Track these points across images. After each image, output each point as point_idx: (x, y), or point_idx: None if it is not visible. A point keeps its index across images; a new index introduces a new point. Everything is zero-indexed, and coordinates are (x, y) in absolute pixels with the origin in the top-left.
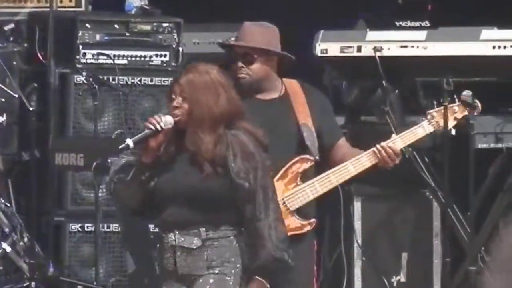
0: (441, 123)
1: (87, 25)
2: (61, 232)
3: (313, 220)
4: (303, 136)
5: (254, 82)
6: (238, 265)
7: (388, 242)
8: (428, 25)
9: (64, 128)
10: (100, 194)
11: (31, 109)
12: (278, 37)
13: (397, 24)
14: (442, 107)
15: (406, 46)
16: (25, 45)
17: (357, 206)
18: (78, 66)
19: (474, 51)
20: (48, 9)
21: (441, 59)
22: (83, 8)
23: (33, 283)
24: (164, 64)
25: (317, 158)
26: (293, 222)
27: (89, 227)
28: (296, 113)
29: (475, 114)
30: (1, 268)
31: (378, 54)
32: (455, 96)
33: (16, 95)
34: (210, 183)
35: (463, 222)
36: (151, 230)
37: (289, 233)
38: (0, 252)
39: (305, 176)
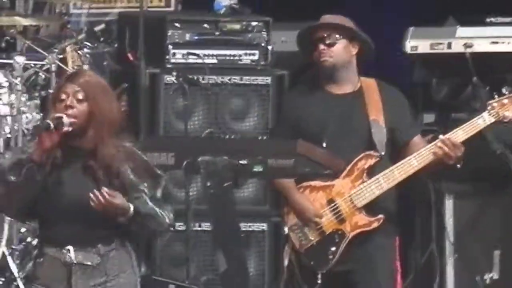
0: (501, 113)
1: (177, 24)
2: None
3: (380, 216)
4: (371, 132)
5: (336, 65)
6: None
7: (480, 239)
8: None
9: (155, 127)
10: (191, 193)
11: (122, 109)
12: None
13: (488, 20)
14: (502, 98)
15: (496, 42)
16: (116, 45)
17: (449, 203)
18: (168, 65)
19: None
20: (138, 9)
21: None
22: (172, 8)
23: None
24: (254, 63)
25: (382, 154)
26: (360, 219)
27: (180, 226)
28: (368, 109)
29: None
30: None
31: (468, 50)
32: None
33: None
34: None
35: None
36: (242, 228)
37: (357, 230)
38: None
39: (372, 172)
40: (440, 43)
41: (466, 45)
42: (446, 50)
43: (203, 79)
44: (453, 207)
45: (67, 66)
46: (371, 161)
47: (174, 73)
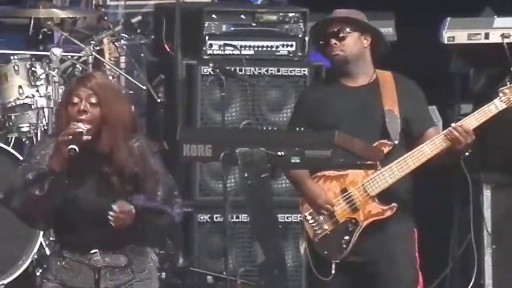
0: None
1: (214, 16)
2: (190, 223)
3: (393, 205)
4: (386, 122)
5: (348, 59)
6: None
7: None
8: None
9: (192, 119)
10: (228, 185)
11: (159, 100)
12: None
13: None
14: None
15: None
16: (152, 37)
17: (487, 194)
18: (205, 57)
19: None
20: (174, 1)
21: None
22: None
23: (163, 274)
24: (291, 54)
25: (396, 142)
26: (374, 208)
27: (217, 217)
28: (383, 100)
29: None
30: None
31: (506, 40)
32: None
33: (144, 87)
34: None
35: None
36: (280, 220)
37: (370, 219)
38: None
39: (386, 161)
40: (477, 34)
41: (504, 36)
42: (483, 41)
43: (240, 70)
44: (490, 197)
45: (104, 57)
46: (384, 150)
47: (211, 65)
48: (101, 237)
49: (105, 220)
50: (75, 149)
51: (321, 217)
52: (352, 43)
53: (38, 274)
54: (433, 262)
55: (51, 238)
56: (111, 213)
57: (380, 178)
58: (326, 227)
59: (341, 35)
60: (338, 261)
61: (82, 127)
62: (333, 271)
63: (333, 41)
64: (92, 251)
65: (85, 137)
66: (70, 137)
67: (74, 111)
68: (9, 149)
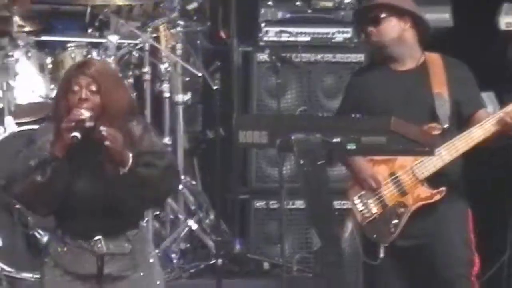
0: None
1: (269, 3)
2: (246, 210)
3: (442, 188)
4: (435, 105)
5: (385, 44)
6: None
7: None
8: None
9: (248, 105)
10: (284, 171)
11: (215, 87)
12: (412, 3)
13: None
14: None
15: None
16: (208, 24)
17: None
18: (261, 44)
19: None
20: None
21: None
22: None
23: (219, 260)
24: (347, 41)
25: (445, 126)
26: (422, 192)
27: (274, 204)
28: (431, 83)
29: None
30: (188, 245)
31: None
32: None
33: (200, 74)
34: (118, 190)
35: None
36: (336, 206)
37: (419, 203)
38: (187, 230)
39: None
40: None
41: None
42: None
43: (296, 57)
44: None
45: (160, 45)
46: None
47: (267, 51)
48: (104, 223)
49: (104, 207)
50: (77, 136)
51: (370, 201)
52: (389, 28)
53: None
54: (491, 248)
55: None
56: (102, 128)
57: (428, 162)
58: (374, 210)
59: (377, 21)
60: (386, 245)
61: (85, 113)
62: (381, 255)
63: (370, 28)
64: (95, 238)
65: (87, 124)
66: (73, 123)
67: (75, 100)
68: None
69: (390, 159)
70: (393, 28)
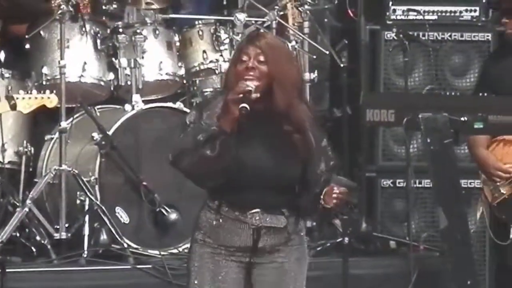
0: None
1: None
2: (373, 188)
3: None
4: None
5: None
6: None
7: None
8: None
9: (375, 84)
10: (411, 150)
11: (342, 65)
12: None
13: None
14: None
15: None
16: (336, 2)
17: None
18: (388, 22)
19: None
20: None
21: None
22: None
23: (346, 239)
24: (474, 19)
25: None
26: None
27: (400, 182)
28: None
29: None
30: (314, 223)
31: None
32: None
33: (327, 52)
34: (295, 167)
35: None
36: (463, 185)
37: None
38: None
39: None
40: None
41: None
42: None
43: (423, 35)
44: None
45: (287, 22)
46: None
47: (394, 30)
48: (264, 197)
49: (274, 184)
50: (246, 107)
51: (500, 181)
52: None
53: None
54: None
55: None
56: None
57: None
58: (504, 191)
59: (511, 13)
60: None
61: (251, 85)
62: (511, 236)
63: (504, 20)
64: (253, 211)
65: (253, 95)
66: (241, 95)
67: (242, 68)
68: None
69: None
70: None
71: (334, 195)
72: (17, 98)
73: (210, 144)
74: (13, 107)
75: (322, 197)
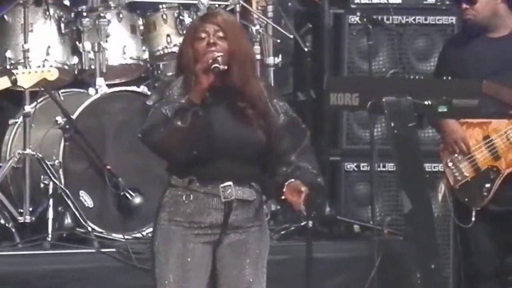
0: None
1: None
2: (336, 172)
3: None
4: None
5: (480, 21)
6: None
7: None
8: None
9: (339, 68)
10: (375, 133)
11: (306, 49)
12: None
13: None
14: None
15: None
16: None
17: None
18: (352, 6)
19: None
20: None
21: None
22: None
23: (310, 222)
24: (438, 3)
25: None
26: None
27: (364, 166)
28: None
29: None
30: (278, 207)
31: None
32: None
33: (291, 36)
34: (258, 135)
35: None
36: (426, 169)
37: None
38: None
39: None
40: None
41: None
42: None
43: (387, 19)
44: None
45: (251, 6)
46: None
47: (358, 14)
48: (234, 170)
49: (241, 153)
50: (218, 67)
51: (462, 164)
52: (484, 5)
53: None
54: None
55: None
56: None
57: None
58: (467, 174)
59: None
60: (478, 209)
61: (218, 54)
62: (473, 219)
63: (464, 6)
64: (225, 184)
65: (221, 67)
66: (210, 61)
67: (203, 45)
68: None
69: (484, 122)
70: (487, 4)
71: (296, 195)
72: (17, 73)
73: (181, 116)
74: (14, 82)
75: (284, 189)
